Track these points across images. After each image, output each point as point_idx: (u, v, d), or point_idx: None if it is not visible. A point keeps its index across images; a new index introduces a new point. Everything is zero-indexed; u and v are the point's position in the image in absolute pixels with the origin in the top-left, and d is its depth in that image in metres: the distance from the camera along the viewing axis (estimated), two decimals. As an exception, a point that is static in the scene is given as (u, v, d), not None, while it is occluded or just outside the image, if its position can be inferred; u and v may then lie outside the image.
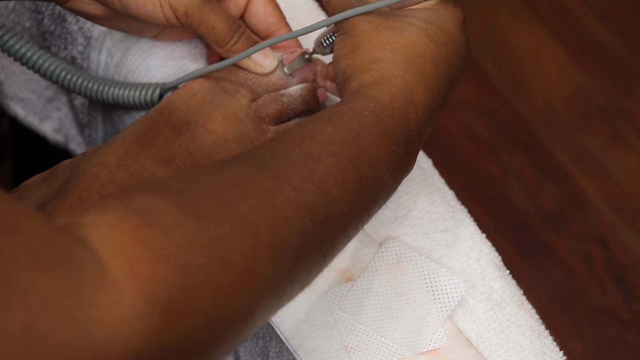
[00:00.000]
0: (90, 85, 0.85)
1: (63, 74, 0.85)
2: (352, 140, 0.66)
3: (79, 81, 0.85)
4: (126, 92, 0.85)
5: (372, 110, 0.68)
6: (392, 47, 0.72)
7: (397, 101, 0.70)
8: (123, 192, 0.57)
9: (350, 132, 0.66)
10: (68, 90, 0.86)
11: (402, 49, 0.72)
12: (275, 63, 0.82)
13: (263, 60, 0.82)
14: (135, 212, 0.54)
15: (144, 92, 0.84)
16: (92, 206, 0.54)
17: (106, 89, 0.85)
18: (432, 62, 0.73)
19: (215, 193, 0.58)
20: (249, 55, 0.81)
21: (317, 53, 0.81)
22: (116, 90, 0.85)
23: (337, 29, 0.76)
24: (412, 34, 0.73)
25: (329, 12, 0.77)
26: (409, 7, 0.76)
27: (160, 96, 0.84)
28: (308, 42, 0.89)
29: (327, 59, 0.86)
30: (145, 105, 0.85)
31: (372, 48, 0.73)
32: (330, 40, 0.79)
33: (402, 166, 0.70)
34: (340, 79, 0.73)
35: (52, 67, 0.84)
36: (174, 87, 0.84)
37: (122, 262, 0.51)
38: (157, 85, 0.84)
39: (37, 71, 0.84)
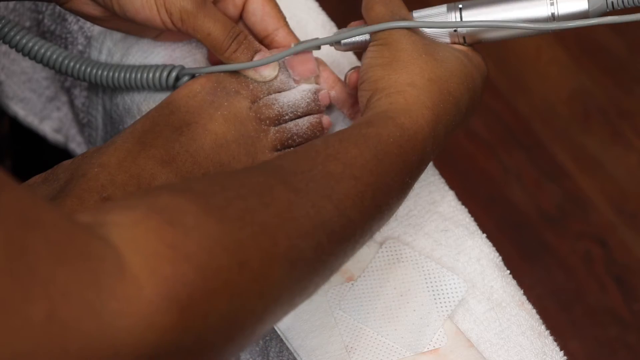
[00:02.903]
0: (99, 72, 0.85)
1: (72, 63, 0.84)
2: (374, 166, 0.68)
3: (88, 69, 0.85)
4: (138, 74, 0.84)
5: (397, 139, 0.70)
6: (430, 76, 0.74)
7: (421, 134, 0.71)
8: (146, 192, 0.58)
9: (374, 158, 0.68)
10: (77, 79, 0.86)
11: (438, 81, 0.74)
12: (275, 73, 0.82)
13: (263, 69, 0.82)
14: (159, 212, 0.54)
15: (157, 73, 0.84)
16: (114, 205, 0.55)
17: (116, 74, 0.84)
18: (457, 103, 0.75)
19: (237, 198, 0.59)
20: (266, 64, 0.81)
21: (331, 45, 0.81)
22: (127, 75, 0.84)
23: (374, 37, 0.77)
24: (449, 70, 0.75)
25: (367, 20, 0.78)
26: (446, 43, 0.78)
27: (177, 79, 0.84)
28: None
29: (334, 66, 0.86)
30: (160, 87, 0.84)
31: (410, 70, 0.74)
32: (353, 40, 0.79)
33: (406, 195, 0.72)
34: (368, 87, 0.75)
35: (59, 58, 0.84)
36: (191, 74, 0.83)
37: (142, 259, 0.52)
38: (173, 66, 0.84)
39: (46, 63, 0.84)
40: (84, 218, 0.54)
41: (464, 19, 0.78)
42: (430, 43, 0.76)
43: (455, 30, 0.78)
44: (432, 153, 0.73)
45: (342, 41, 0.80)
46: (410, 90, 0.73)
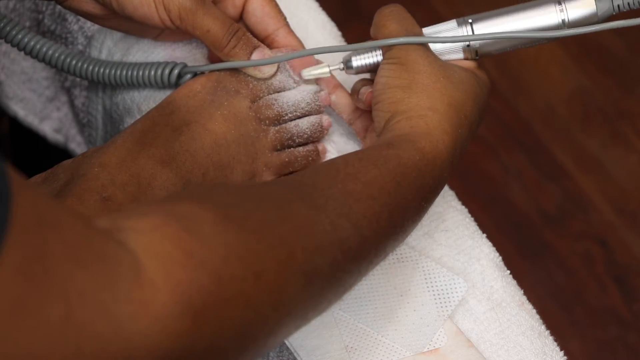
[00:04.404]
0: (101, 69, 0.84)
1: (74, 61, 0.84)
2: (393, 188, 0.68)
3: (90, 67, 0.84)
4: (140, 72, 0.84)
5: (417, 164, 0.71)
6: (449, 100, 0.74)
7: (440, 159, 0.72)
8: (166, 199, 0.60)
9: (392, 180, 0.68)
10: (79, 77, 0.85)
11: (456, 105, 0.74)
12: (274, 69, 0.82)
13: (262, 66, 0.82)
14: (177, 219, 0.55)
15: (160, 71, 0.84)
16: (133, 212, 0.55)
17: (118, 71, 0.84)
18: (471, 125, 0.76)
19: (257, 210, 0.60)
20: (269, 64, 0.81)
21: (342, 69, 0.80)
22: (129, 72, 0.84)
23: (388, 56, 0.77)
24: (465, 93, 0.75)
25: (379, 37, 0.78)
26: (454, 61, 0.78)
27: (179, 76, 0.83)
28: (307, 43, 0.89)
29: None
30: (162, 85, 0.84)
31: (431, 94, 0.74)
32: (365, 63, 0.79)
33: (421, 219, 0.73)
34: (387, 108, 0.75)
35: (61, 56, 0.84)
36: (193, 72, 0.83)
37: (158, 264, 0.52)
38: (175, 64, 0.84)
39: (47, 62, 0.84)
40: (102, 223, 0.54)
41: (475, 33, 0.78)
42: (444, 65, 0.77)
43: (468, 45, 0.78)
44: (449, 176, 0.74)
45: (354, 64, 0.79)
46: (431, 115, 0.73)
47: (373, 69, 0.79)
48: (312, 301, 0.61)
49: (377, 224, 0.66)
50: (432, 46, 0.78)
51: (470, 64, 0.79)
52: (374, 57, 0.79)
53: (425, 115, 0.73)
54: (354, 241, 0.64)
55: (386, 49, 0.77)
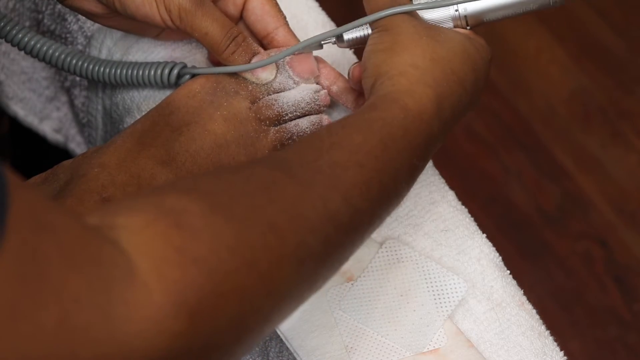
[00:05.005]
0: (101, 69, 0.84)
1: (74, 60, 0.84)
2: (380, 151, 0.67)
3: (90, 66, 0.84)
4: (140, 71, 0.84)
5: (402, 122, 0.69)
6: (432, 56, 0.73)
7: (426, 114, 0.71)
8: (153, 192, 0.58)
9: (379, 143, 0.67)
10: (79, 76, 0.85)
11: (440, 61, 0.73)
12: (272, 76, 0.81)
13: (260, 72, 0.81)
14: (166, 214, 0.54)
15: (159, 70, 0.84)
16: (122, 207, 0.55)
17: (118, 71, 0.84)
18: (462, 82, 0.74)
19: (244, 195, 0.59)
20: (259, 67, 0.80)
21: (334, 42, 0.80)
22: (129, 71, 0.84)
23: (375, 25, 0.76)
24: (451, 51, 0.74)
25: (368, 11, 0.78)
26: (447, 27, 0.78)
27: (179, 76, 0.83)
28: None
29: (333, 60, 0.85)
30: (162, 84, 0.84)
31: (412, 52, 0.73)
32: (356, 36, 0.79)
33: (416, 178, 0.71)
34: (371, 72, 0.74)
35: (62, 55, 0.84)
36: (192, 74, 0.83)
37: (151, 264, 0.52)
38: (175, 64, 0.84)
39: (48, 61, 0.84)
40: (92, 220, 0.53)
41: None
42: (431, 27, 0.76)
43: (456, 10, 0.78)
44: (440, 134, 0.72)
45: (345, 37, 0.79)
46: (412, 71, 0.72)
47: (365, 41, 0.79)
48: (306, 282, 0.61)
49: (367, 192, 0.65)
50: (422, 17, 0.78)
51: (464, 30, 0.79)
52: (364, 30, 0.79)
53: (406, 72, 0.72)
54: (345, 214, 0.63)
55: (374, 21, 0.77)
